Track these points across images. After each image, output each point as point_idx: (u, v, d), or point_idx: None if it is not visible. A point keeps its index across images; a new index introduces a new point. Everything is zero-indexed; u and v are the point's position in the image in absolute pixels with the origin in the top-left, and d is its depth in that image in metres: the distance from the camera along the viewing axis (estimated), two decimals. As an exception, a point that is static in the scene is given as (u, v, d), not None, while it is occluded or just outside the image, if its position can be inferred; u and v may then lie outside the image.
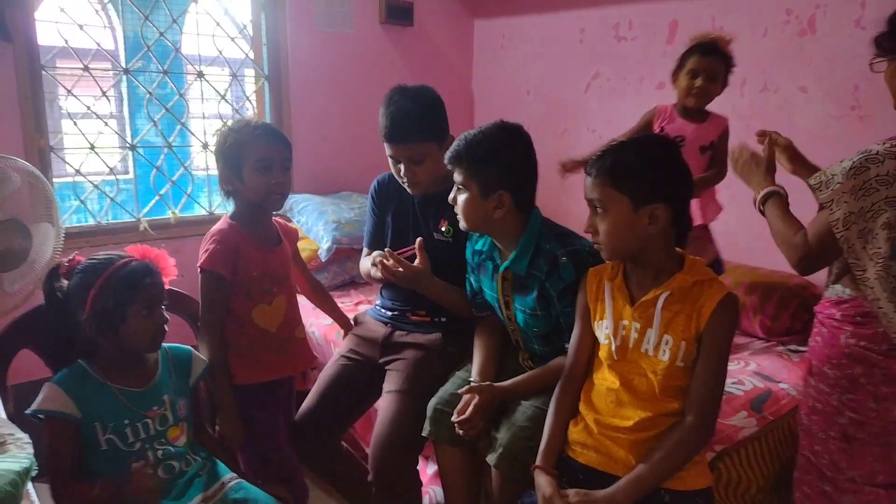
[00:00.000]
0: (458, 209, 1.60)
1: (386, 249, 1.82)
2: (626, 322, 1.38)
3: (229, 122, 1.76)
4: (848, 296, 1.44)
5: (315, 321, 2.53)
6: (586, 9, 3.20)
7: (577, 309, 1.51)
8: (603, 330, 1.42)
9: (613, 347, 1.38)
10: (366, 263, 1.97)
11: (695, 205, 2.30)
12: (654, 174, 1.32)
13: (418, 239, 1.80)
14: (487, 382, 1.63)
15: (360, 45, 3.39)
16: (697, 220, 2.29)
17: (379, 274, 1.79)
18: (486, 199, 1.55)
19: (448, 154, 1.58)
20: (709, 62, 2.18)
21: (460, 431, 1.57)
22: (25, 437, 0.77)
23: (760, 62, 2.60)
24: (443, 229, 1.87)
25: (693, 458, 1.34)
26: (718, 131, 2.29)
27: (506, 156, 1.54)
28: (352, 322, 2.10)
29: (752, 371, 2.05)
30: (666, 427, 1.34)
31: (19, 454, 0.75)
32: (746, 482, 1.67)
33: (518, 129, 1.59)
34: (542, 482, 1.38)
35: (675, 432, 1.31)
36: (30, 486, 0.75)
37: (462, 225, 1.63)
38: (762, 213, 1.54)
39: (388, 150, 1.83)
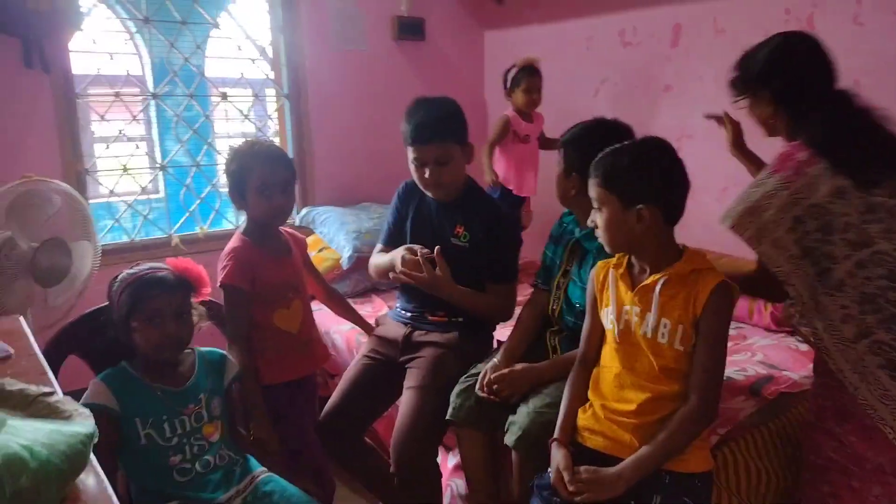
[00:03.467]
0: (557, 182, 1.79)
1: (420, 250, 1.90)
2: (627, 307, 1.46)
3: (238, 143, 1.84)
4: None
5: (336, 328, 2.61)
6: (592, 17, 3.29)
7: (587, 300, 1.60)
8: (608, 316, 1.50)
9: (616, 331, 1.47)
10: (376, 259, 2.07)
11: (518, 179, 3.06)
12: (643, 177, 1.40)
13: (436, 248, 1.89)
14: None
15: (375, 62, 3.50)
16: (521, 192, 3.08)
17: (396, 263, 1.89)
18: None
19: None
20: (536, 80, 2.98)
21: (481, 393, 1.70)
22: (87, 412, 0.90)
23: (762, 61, 2.65)
24: (459, 234, 1.96)
25: (696, 438, 1.40)
26: (542, 124, 3.14)
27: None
28: (373, 324, 2.20)
29: (757, 360, 2.07)
30: (668, 411, 1.40)
31: (86, 422, 0.87)
32: (756, 473, 1.67)
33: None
34: (558, 455, 1.45)
35: (679, 413, 1.38)
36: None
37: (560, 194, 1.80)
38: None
39: (413, 154, 1.90)
